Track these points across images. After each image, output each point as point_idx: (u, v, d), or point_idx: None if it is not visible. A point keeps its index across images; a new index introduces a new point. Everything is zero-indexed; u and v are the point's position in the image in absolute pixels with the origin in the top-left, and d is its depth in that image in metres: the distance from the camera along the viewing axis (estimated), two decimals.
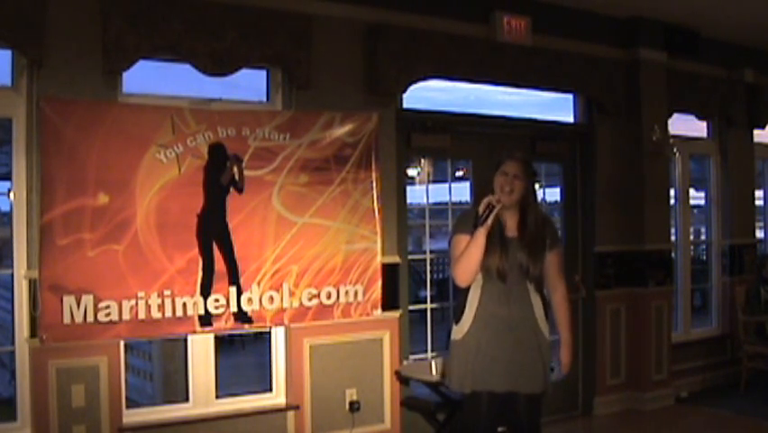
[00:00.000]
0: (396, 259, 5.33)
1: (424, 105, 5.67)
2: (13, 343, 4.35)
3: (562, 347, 3.87)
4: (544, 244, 3.75)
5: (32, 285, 4.18)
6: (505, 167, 3.72)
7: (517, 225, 3.74)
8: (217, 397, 4.87)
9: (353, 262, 5.05)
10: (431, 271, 5.89)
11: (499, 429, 3.89)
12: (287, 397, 5.04)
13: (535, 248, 3.71)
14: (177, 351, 5.90)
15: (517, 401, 3.74)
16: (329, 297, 4.96)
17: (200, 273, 4.58)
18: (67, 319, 4.19)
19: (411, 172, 5.83)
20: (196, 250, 4.57)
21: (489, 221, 3.56)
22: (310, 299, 4.90)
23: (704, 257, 8.37)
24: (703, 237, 8.16)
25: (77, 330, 4.22)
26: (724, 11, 6.39)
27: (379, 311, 5.15)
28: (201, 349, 4.83)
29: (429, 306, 5.86)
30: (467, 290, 3.72)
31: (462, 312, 3.73)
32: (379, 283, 5.14)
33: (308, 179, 4.91)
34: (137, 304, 4.37)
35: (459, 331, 3.75)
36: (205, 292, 4.59)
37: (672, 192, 7.03)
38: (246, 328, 4.93)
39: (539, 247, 3.73)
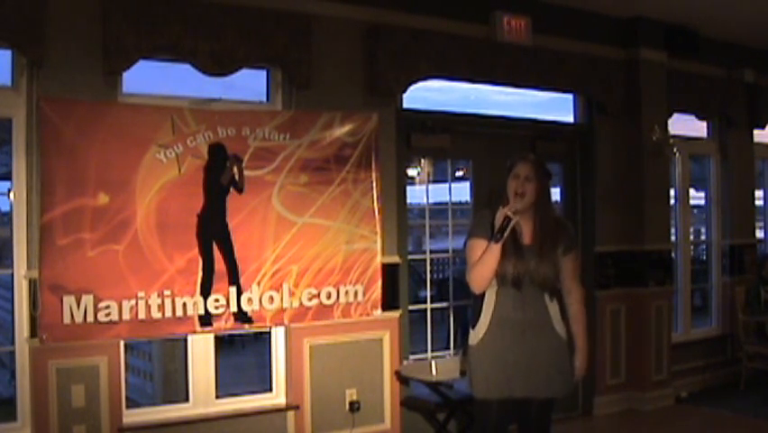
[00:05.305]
0: (396, 259, 5.33)
1: (424, 105, 5.67)
2: (13, 343, 4.35)
3: (578, 352, 3.80)
4: (557, 250, 3.71)
5: (32, 285, 4.18)
6: (516, 169, 3.68)
7: (532, 231, 3.71)
8: (217, 397, 4.87)
9: (353, 262, 5.04)
10: (431, 271, 5.89)
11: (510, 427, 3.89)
12: (287, 397, 5.04)
13: (549, 255, 3.68)
14: (177, 351, 5.90)
15: (531, 403, 3.74)
16: (329, 297, 4.96)
17: (200, 273, 4.58)
18: (67, 319, 4.19)
19: (411, 172, 5.83)
20: (196, 250, 4.57)
21: (506, 234, 3.53)
22: (310, 299, 4.90)
23: (704, 257, 8.37)
24: (703, 237, 8.16)
25: (77, 330, 4.22)
26: (724, 11, 6.39)
27: (379, 311, 5.15)
28: (201, 349, 4.83)
29: (429, 306, 5.86)
30: (483, 294, 3.70)
31: (478, 317, 3.71)
32: (379, 283, 5.14)
33: (308, 179, 4.90)
34: (137, 304, 4.37)
35: (475, 336, 3.73)
36: (205, 292, 4.59)
37: (672, 192, 7.03)
38: (246, 328, 4.93)
39: (553, 253, 3.69)
